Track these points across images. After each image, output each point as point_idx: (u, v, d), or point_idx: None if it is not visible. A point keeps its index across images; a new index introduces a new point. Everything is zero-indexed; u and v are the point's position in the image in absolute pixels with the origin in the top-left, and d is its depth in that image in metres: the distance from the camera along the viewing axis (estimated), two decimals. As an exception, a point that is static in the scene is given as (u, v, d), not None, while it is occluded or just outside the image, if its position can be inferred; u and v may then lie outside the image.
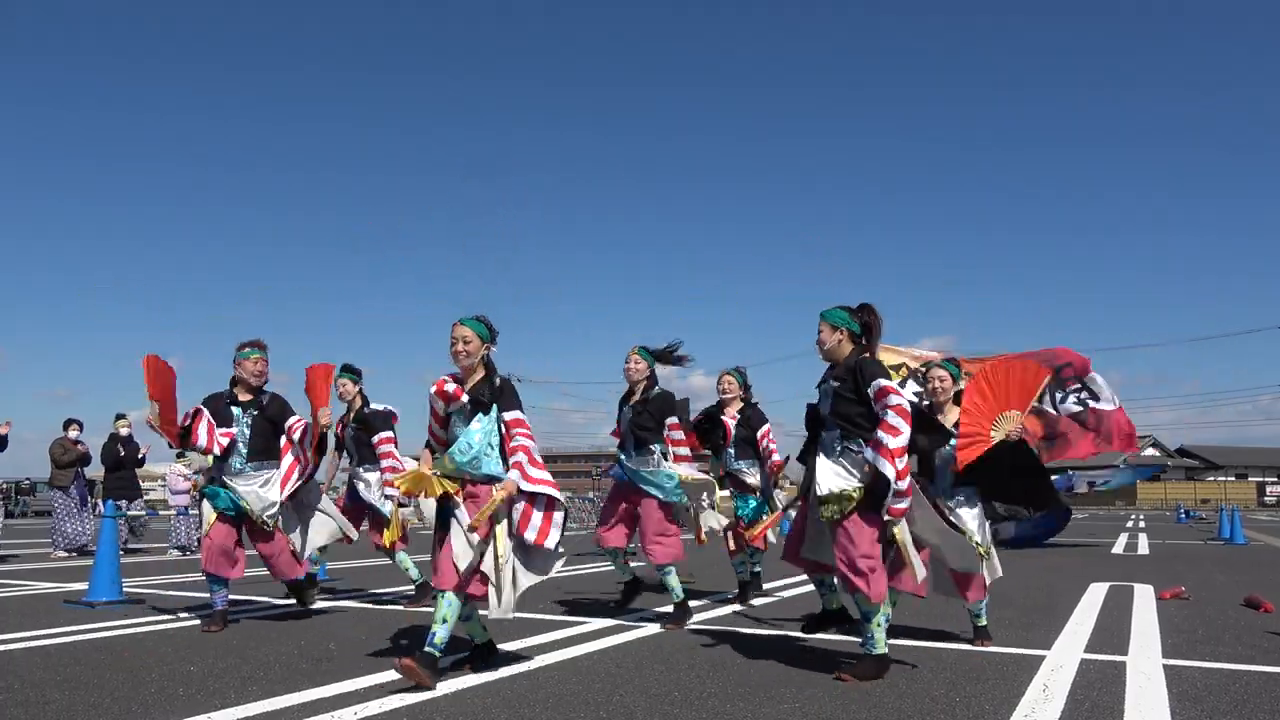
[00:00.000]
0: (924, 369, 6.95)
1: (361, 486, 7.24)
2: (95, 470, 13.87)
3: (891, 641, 5.40)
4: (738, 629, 5.93)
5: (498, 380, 4.64)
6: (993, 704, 3.90)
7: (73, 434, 13.09)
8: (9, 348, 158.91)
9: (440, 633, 4.21)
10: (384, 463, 6.99)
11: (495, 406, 4.56)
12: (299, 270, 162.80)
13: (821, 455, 4.56)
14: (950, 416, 5.36)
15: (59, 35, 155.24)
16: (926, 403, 5.48)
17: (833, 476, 4.45)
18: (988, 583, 5.33)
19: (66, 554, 12.39)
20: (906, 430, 4.26)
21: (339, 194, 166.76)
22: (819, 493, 4.46)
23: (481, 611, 4.56)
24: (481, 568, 4.37)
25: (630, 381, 6.31)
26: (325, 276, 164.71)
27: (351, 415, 7.33)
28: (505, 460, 4.52)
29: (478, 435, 4.49)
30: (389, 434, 7.06)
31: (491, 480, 4.47)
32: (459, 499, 4.47)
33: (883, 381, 4.37)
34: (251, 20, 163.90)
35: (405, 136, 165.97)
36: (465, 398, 4.56)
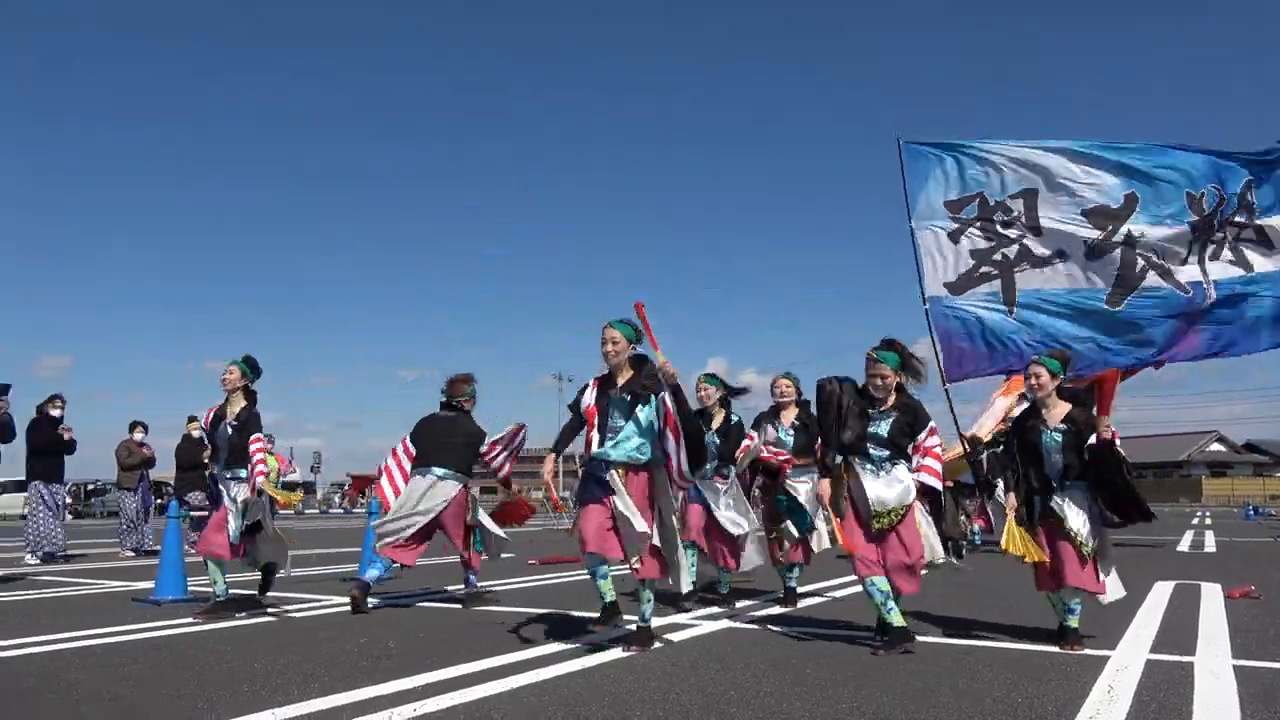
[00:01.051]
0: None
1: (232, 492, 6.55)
2: (162, 471, 14.19)
3: (950, 641, 5.36)
4: (794, 629, 5.90)
5: (650, 375, 5.24)
6: (1056, 705, 3.83)
7: (138, 436, 13.42)
8: (78, 353, 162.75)
9: (647, 611, 5.19)
10: (258, 468, 6.45)
11: (654, 398, 5.15)
12: (296, 272, 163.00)
13: (869, 470, 5.35)
14: (1054, 410, 5.43)
15: (55, 39, 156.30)
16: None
17: (885, 492, 5.27)
18: (1101, 578, 5.32)
19: (133, 553, 12.70)
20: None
21: (341, 198, 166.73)
22: (875, 508, 5.27)
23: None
24: (660, 548, 5.16)
25: (705, 404, 7.09)
26: (322, 280, 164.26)
27: (235, 410, 6.65)
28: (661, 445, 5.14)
29: (642, 426, 5.14)
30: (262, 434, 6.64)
31: (650, 465, 5.13)
32: (622, 485, 5.08)
33: (932, 424, 5.53)
34: (245, 23, 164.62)
35: (408, 138, 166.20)
36: (619, 394, 5.22)
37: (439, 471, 6.95)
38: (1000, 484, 5.90)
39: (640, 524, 5.00)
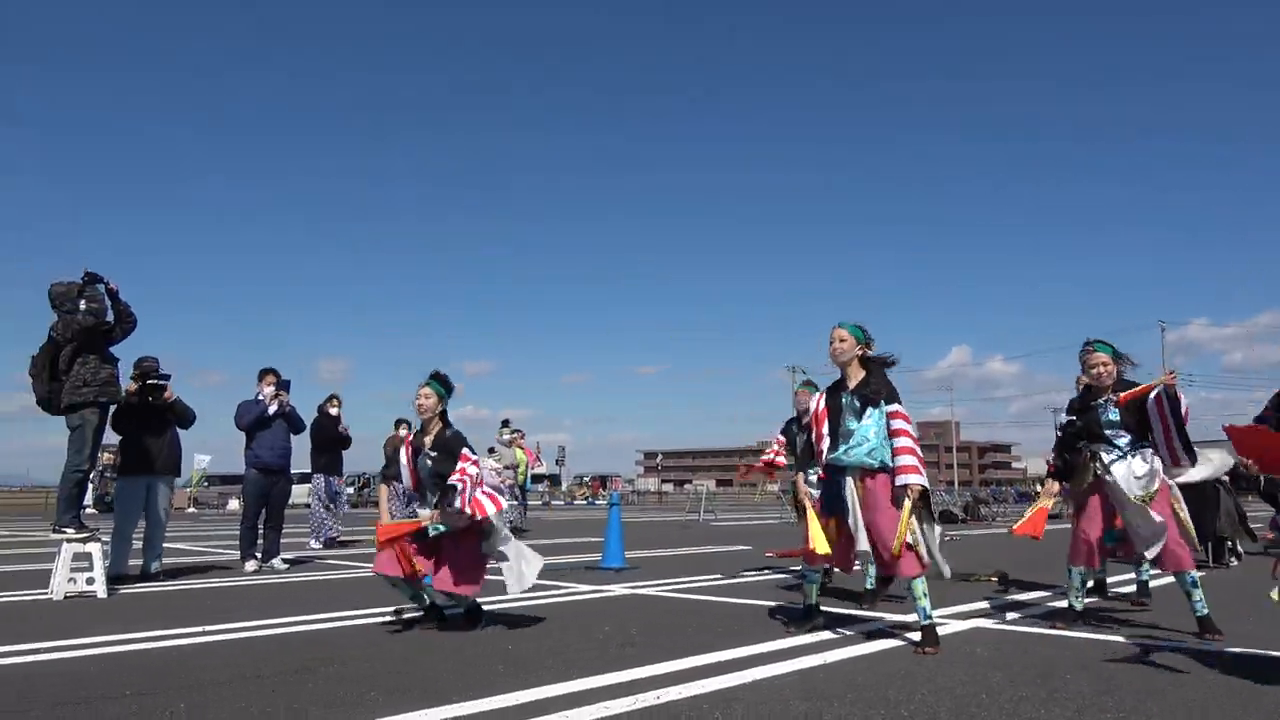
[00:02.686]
0: None
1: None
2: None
3: (1231, 650, 4.86)
4: (1052, 631, 5.53)
5: (880, 378, 5.20)
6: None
7: (403, 432, 14.46)
8: (355, 358, 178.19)
9: (926, 607, 4.96)
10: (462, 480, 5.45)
11: (883, 401, 5.11)
12: (298, 271, 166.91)
13: (1113, 457, 5.45)
14: None
15: (57, 39, 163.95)
16: None
17: (1139, 471, 5.37)
18: None
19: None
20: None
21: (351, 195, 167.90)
22: (1136, 490, 5.33)
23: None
24: (910, 544, 4.96)
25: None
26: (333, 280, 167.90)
27: (432, 438, 5.77)
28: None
29: (873, 430, 5.08)
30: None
31: (885, 468, 5.04)
32: (857, 496, 5.06)
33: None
34: (245, 23, 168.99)
35: (413, 137, 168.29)
36: (850, 396, 5.19)
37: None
38: None
39: (863, 543, 5.05)
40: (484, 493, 5.44)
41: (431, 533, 5.48)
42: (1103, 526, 5.59)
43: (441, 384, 5.83)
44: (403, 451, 5.88)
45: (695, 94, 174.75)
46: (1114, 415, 5.50)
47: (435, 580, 5.49)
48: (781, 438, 7.94)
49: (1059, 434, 6.70)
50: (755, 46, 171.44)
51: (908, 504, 4.91)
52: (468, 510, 5.33)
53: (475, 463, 5.60)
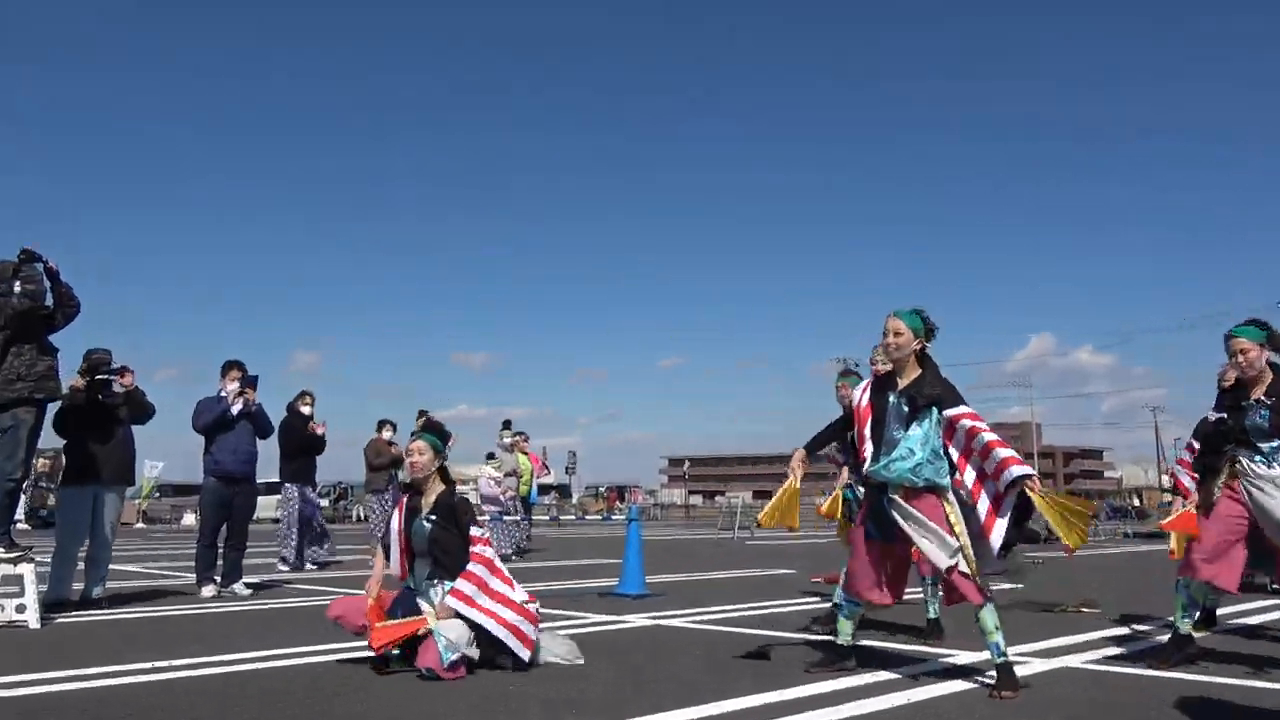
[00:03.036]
0: None
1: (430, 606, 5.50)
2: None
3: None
4: (1150, 671, 5.47)
5: (934, 378, 5.02)
6: None
7: (386, 435, 14.43)
8: (326, 352, 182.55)
9: (999, 642, 4.79)
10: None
11: (935, 408, 4.93)
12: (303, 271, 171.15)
13: (1260, 463, 5.38)
14: None
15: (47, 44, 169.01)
16: None
17: None
18: None
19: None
20: None
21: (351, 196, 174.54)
22: None
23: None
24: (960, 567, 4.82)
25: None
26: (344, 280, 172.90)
27: (431, 500, 5.78)
28: (950, 460, 4.93)
29: (919, 442, 4.89)
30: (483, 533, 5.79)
31: (932, 487, 4.87)
32: (904, 503, 4.87)
33: None
34: (245, 23, 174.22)
35: (413, 137, 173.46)
36: (898, 398, 5.03)
37: None
38: None
39: (939, 556, 4.80)
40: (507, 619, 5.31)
41: (437, 640, 5.10)
42: (1236, 540, 5.44)
43: (437, 435, 5.93)
44: (395, 517, 5.83)
45: (695, 94, 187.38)
46: (1261, 420, 5.39)
47: (421, 658, 5.13)
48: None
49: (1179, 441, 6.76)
50: (755, 46, 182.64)
51: (1042, 500, 4.74)
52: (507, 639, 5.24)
53: (488, 550, 5.58)
